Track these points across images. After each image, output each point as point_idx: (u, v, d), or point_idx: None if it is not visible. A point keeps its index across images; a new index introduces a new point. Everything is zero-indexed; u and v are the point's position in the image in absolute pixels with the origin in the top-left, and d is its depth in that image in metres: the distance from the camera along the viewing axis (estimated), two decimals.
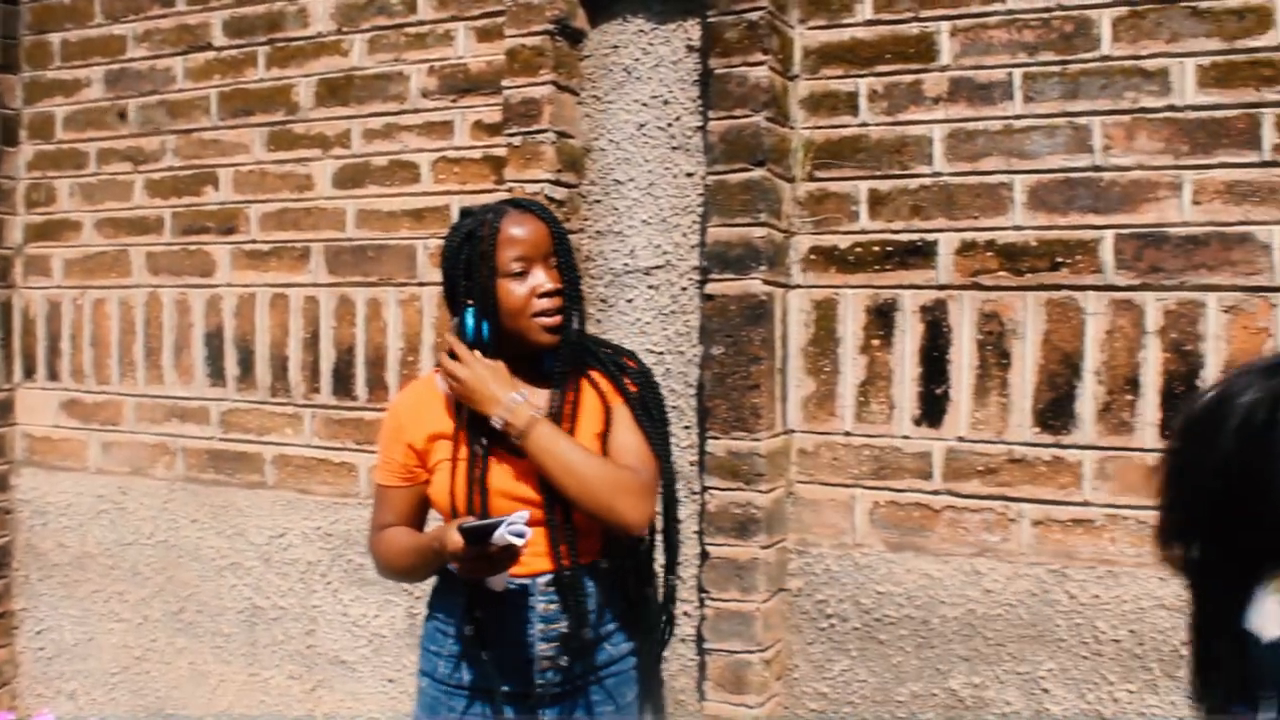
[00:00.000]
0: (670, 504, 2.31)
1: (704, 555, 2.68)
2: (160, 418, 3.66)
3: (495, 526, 1.85)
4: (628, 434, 2.15)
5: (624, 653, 2.24)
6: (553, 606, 2.10)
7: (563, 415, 2.11)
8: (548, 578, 2.10)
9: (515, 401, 2.04)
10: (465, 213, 2.19)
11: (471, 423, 2.10)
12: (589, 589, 2.14)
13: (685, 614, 2.83)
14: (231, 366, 3.52)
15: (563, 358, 2.14)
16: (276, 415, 3.44)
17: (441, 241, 2.23)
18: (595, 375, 2.19)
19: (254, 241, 3.47)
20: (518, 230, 2.09)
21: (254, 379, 3.47)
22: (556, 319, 2.10)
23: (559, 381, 2.13)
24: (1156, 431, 2.44)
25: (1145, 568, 2.44)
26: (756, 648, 2.62)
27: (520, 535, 1.85)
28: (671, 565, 2.37)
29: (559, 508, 2.08)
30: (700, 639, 2.71)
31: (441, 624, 2.18)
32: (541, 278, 2.09)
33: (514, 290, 2.07)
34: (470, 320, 2.09)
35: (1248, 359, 2.31)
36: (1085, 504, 2.50)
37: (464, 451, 2.09)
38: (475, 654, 2.13)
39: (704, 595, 2.68)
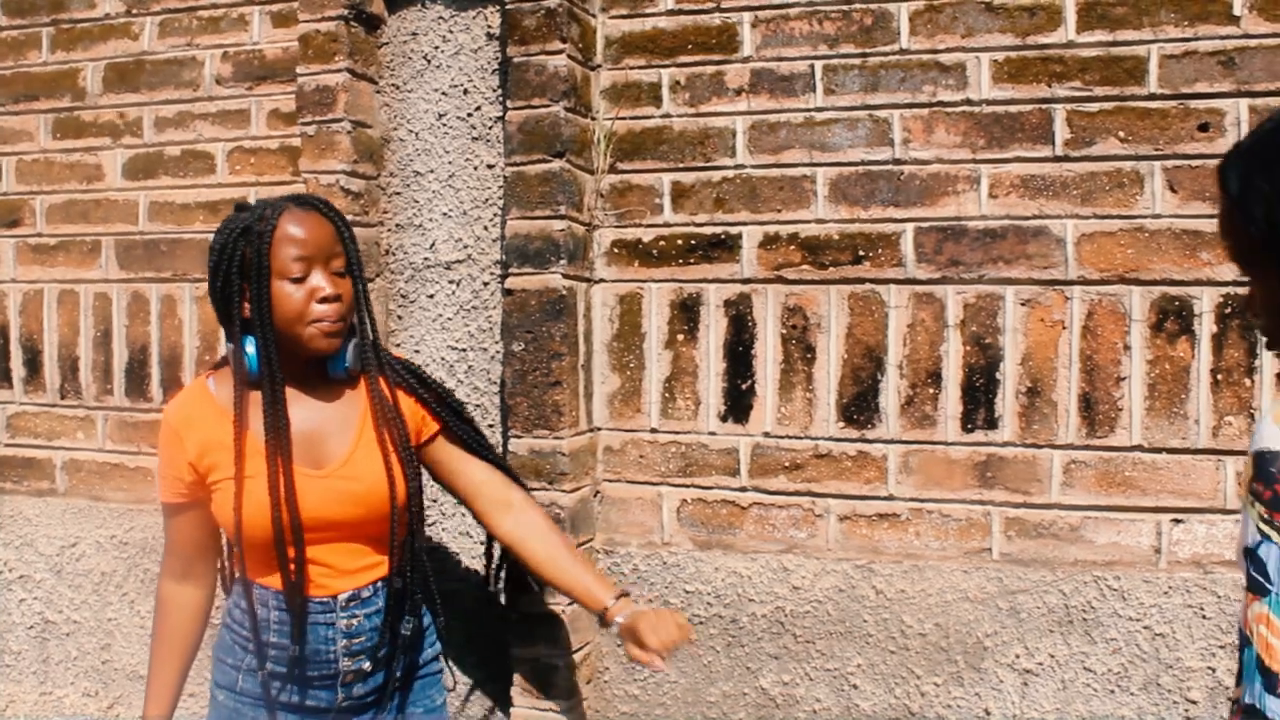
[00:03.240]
0: None
1: None
2: None
3: None
4: (488, 452, 2.24)
5: (430, 657, 2.22)
6: (354, 621, 2.04)
7: (376, 421, 2.04)
8: (348, 594, 2.03)
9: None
10: (240, 207, 2.04)
11: (267, 437, 1.95)
12: (388, 601, 2.08)
13: (498, 618, 2.76)
14: (18, 367, 3.32)
15: (360, 361, 2.05)
16: (67, 418, 3.26)
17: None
18: (382, 382, 2.10)
19: (40, 235, 3.27)
20: (297, 229, 1.94)
21: (42, 380, 3.28)
22: (337, 325, 1.96)
23: (372, 385, 2.06)
24: (958, 425, 2.45)
25: (949, 561, 2.46)
26: (564, 651, 2.56)
27: None
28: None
29: (362, 528, 2.04)
30: (508, 643, 2.64)
31: (239, 638, 2.09)
32: (321, 281, 1.94)
33: (291, 295, 1.92)
34: (253, 351, 1.95)
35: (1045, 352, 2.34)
36: (890, 498, 2.51)
37: (250, 468, 1.95)
38: (277, 669, 2.05)
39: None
